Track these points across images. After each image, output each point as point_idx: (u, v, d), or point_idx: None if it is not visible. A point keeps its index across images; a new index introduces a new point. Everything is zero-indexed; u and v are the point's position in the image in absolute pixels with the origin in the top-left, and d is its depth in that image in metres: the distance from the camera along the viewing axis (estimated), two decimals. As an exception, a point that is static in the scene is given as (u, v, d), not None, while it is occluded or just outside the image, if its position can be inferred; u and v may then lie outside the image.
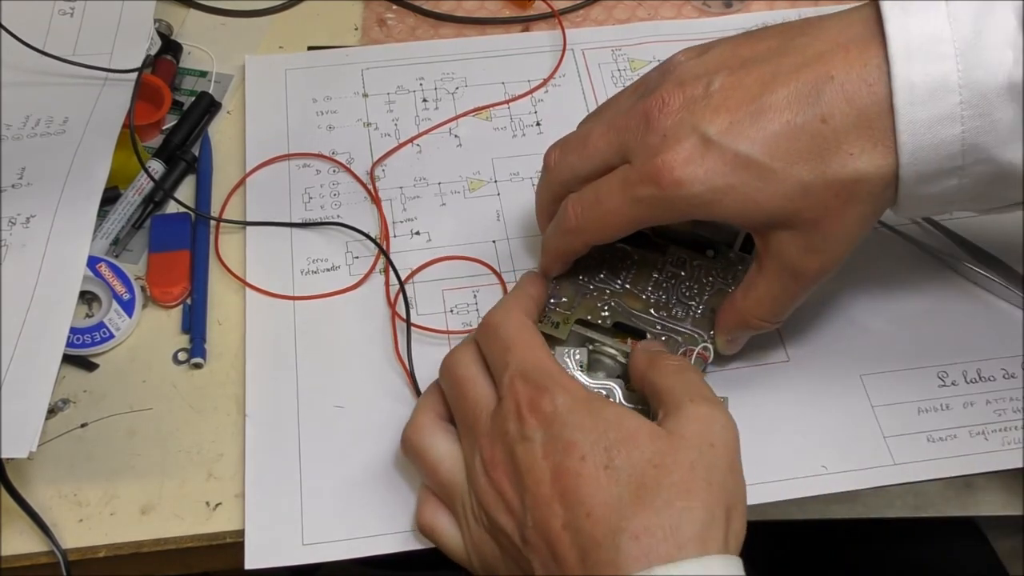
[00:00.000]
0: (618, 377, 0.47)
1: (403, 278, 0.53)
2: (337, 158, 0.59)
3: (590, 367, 0.46)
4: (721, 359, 0.50)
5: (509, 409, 0.40)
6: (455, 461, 0.43)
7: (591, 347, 0.47)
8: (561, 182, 0.47)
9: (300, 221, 0.56)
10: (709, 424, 0.40)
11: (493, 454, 0.40)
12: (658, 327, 0.49)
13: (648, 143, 0.41)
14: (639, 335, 0.49)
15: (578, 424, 0.39)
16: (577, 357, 0.46)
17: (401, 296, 0.52)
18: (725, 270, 0.50)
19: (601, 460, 0.38)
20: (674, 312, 0.49)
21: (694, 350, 0.47)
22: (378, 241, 0.55)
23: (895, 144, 0.39)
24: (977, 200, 0.42)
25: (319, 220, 0.56)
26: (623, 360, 0.47)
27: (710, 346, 0.48)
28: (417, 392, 0.49)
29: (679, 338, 0.48)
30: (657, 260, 0.51)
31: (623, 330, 0.49)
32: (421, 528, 0.44)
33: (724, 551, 0.37)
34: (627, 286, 0.50)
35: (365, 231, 0.55)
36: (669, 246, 0.51)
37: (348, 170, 0.58)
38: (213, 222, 0.56)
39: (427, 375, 0.49)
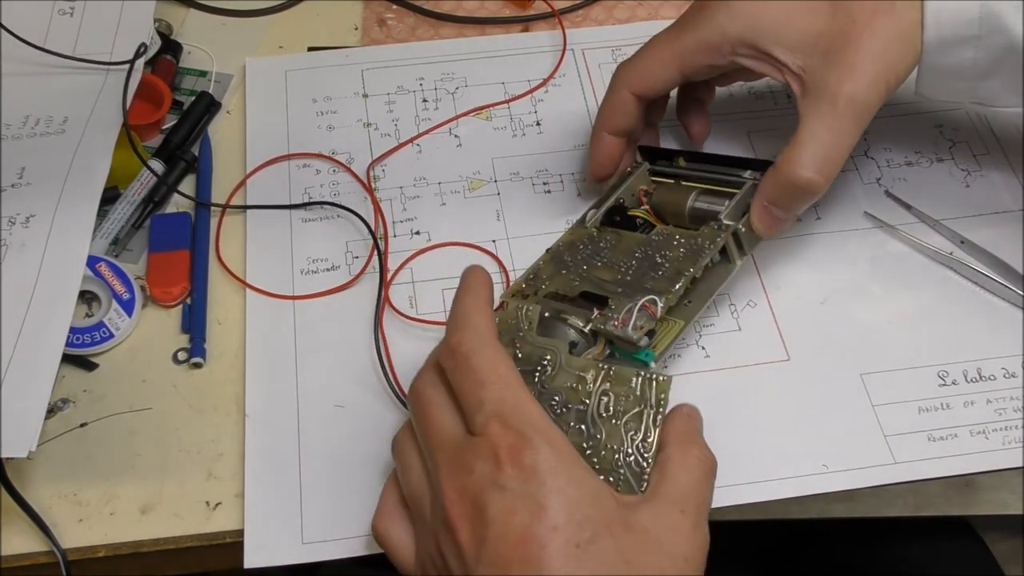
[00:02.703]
0: (572, 344, 0.45)
1: (396, 275, 0.53)
2: (337, 158, 0.59)
3: (546, 330, 0.45)
4: (721, 356, 0.50)
5: (483, 450, 0.37)
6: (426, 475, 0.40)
7: (549, 313, 0.46)
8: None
9: (300, 218, 0.56)
10: (690, 538, 0.38)
11: (452, 491, 0.37)
12: (619, 290, 0.47)
13: None
14: (604, 303, 0.47)
15: (557, 488, 0.36)
16: (528, 313, 0.45)
17: (387, 295, 0.53)
18: (708, 236, 0.49)
19: (573, 536, 0.35)
20: (645, 278, 0.48)
21: (639, 302, 0.45)
22: (375, 237, 0.55)
23: (922, 10, 0.44)
24: (989, 78, 0.46)
25: (315, 201, 0.56)
26: (584, 330, 0.45)
27: (658, 300, 0.45)
28: (393, 389, 0.49)
29: (639, 296, 0.46)
30: (643, 240, 0.50)
31: (590, 299, 0.47)
32: (374, 532, 0.42)
33: None
34: (605, 261, 0.49)
35: (357, 232, 0.55)
36: (658, 226, 0.51)
37: (348, 170, 0.58)
38: (214, 218, 0.56)
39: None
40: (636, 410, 0.41)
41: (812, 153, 0.46)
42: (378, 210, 0.56)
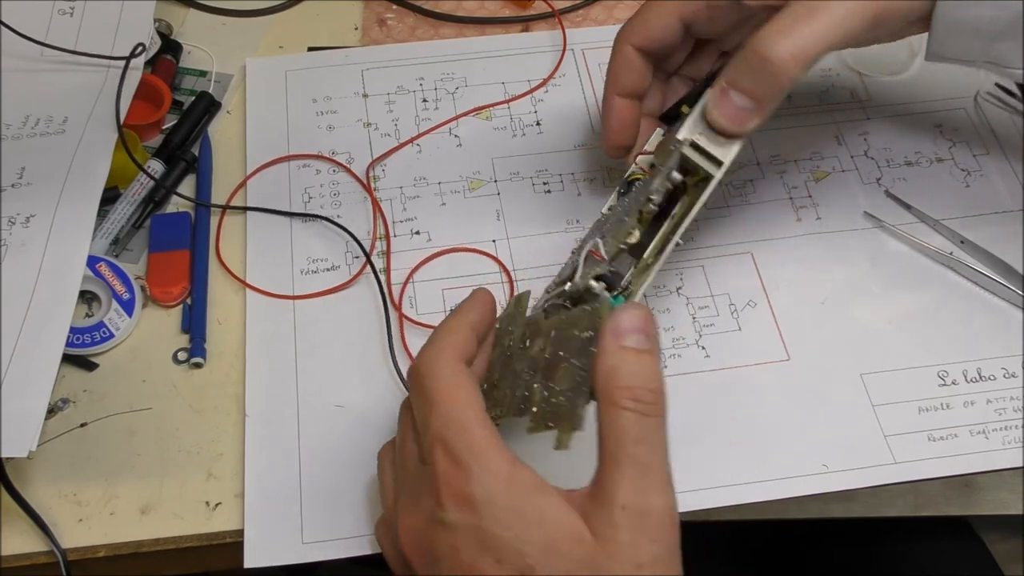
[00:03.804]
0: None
1: (397, 276, 0.53)
2: (337, 158, 0.59)
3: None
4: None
5: (427, 482, 0.37)
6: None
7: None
8: None
9: (300, 218, 0.56)
10: (639, 536, 0.35)
11: (404, 528, 0.38)
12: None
13: None
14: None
15: (493, 517, 0.35)
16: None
17: (394, 300, 0.53)
18: (663, 157, 0.45)
19: (517, 566, 0.34)
20: (601, 231, 0.45)
21: (584, 250, 0.42)
22: (373, 240, 0.55)
23: None
24: (1006, 38, 0.44)
25: (311, 213, 0.56)
26: (545, 306, 0.44)
27: (600, 243, 0.43)
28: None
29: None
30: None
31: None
32: (376, 535, 0.43)
33: None
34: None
35: (356, 233, 0.55)
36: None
37: (348, 170, 0.58)
38: (215, 217, 0.56)
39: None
40: (583, 346, 0.39)
41: (787, 33, 0.42)
42: (378, 210, 0.56)
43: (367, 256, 0.54)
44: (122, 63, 0.58)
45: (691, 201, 0.45)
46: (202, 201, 0.56)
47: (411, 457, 0.39)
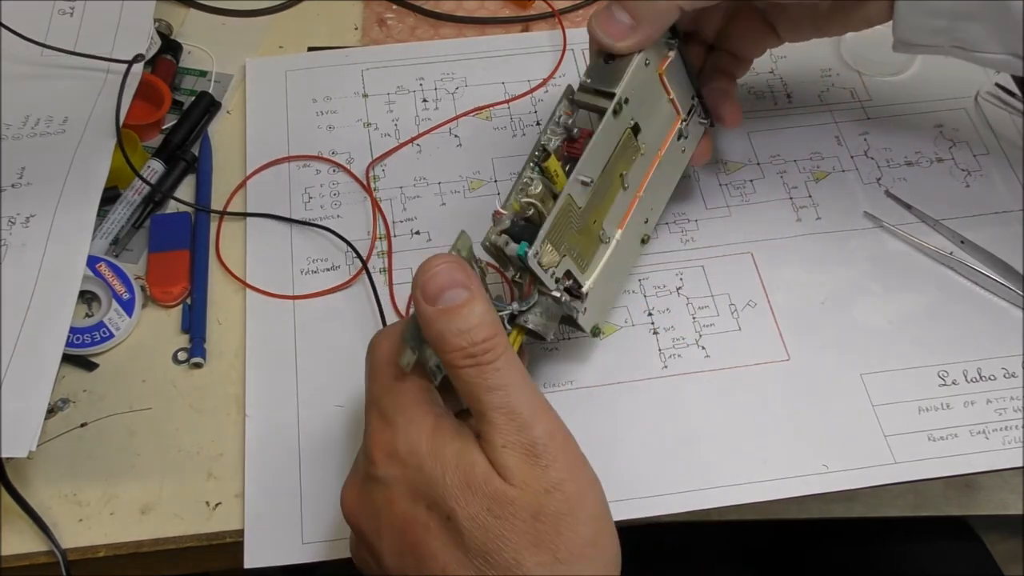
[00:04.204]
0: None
1: (398, 276, 0.53)
2: (337, 158, 0.59)
3: None
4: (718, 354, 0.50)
5: (365, 442, 0.39)
6: None
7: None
8: None
9: (300, 218, 0.56)
10: (532, 467, 0.36)
11: (349, 493, 0.40)
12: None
13: None
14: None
15: (420, 466, 0.36)
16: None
17: (394, 300, 0.53)
18: None
19: (444, 510, 0.36)
20: None
21: None
22: (373, 240, 0.55)
23: None
24: (970, 20, 0.44)
25: (309, 220, 0.56)
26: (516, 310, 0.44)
27: (497, 203, 0.44)
28: None
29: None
30: None
31: None
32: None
33: None
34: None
35: (357, 233, 0.55)
36: None
37: (347, 170, 0.58)
38: (214, 222, 0.56)
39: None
40: None
41: None
42: (378, 210, 0.56)
43: (363, 263, 0.54)
44: (122, 64, 0.58)
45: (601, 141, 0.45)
46: (200, 206, 0.56)
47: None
